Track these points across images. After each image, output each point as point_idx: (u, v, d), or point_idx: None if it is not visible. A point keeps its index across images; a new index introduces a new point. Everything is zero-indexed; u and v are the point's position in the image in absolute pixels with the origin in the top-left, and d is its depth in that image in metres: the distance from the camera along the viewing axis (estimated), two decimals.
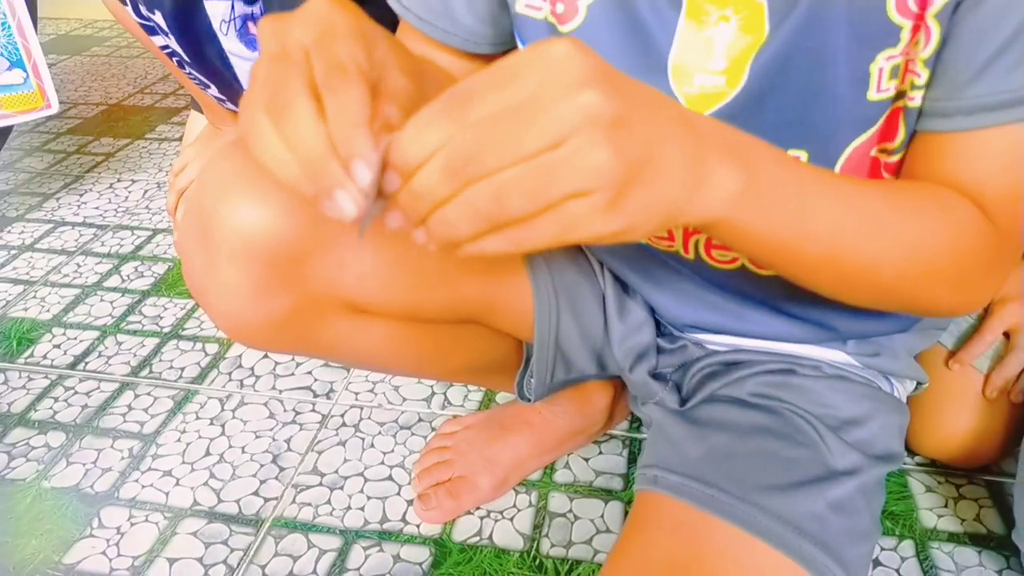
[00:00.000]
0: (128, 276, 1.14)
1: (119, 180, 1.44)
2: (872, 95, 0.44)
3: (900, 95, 0.44)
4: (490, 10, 0.55)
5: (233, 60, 0.86)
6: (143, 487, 0.79)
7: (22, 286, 1.12)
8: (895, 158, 0.46)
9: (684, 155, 0.32)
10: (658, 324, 0.65)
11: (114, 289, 1.11)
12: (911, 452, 0.80)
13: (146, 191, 1.40)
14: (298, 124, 0.29)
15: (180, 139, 1.62)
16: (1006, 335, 0.71)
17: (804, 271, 0.41)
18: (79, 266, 1.17)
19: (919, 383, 0.63)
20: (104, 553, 0.72)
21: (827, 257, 0.40)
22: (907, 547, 0.72)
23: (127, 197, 1.38)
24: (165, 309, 1.07)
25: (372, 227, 0.32)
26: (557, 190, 0.28)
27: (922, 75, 0.42)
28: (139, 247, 1.22)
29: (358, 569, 0.70)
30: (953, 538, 0.73)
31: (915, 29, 0.42)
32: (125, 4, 0.86)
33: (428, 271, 0.55)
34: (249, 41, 0.83)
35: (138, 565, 0.71)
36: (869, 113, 0.45)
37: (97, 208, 1.34)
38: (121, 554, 0.72)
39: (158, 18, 0.84)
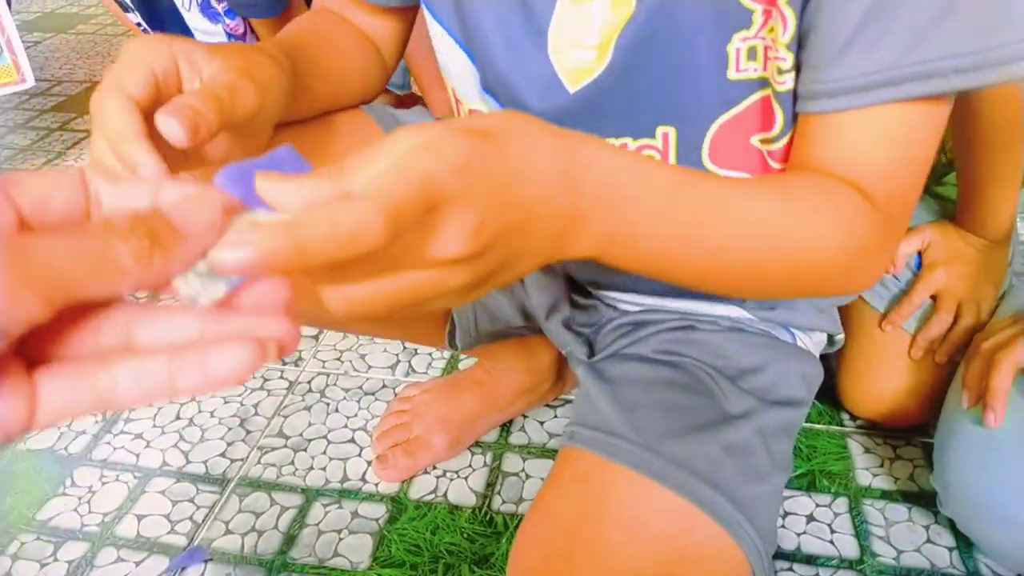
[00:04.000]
0: None
1: None
2: (732, 74, 0.46)
3: (765, 80, 0.46)
4: None
5: (197, 36, 0.89)
6: (115, 449, 0.82)
7: None
8: (779, 145, 0.48)
9: (550, 242, 0.34)
10: (574, 282, 0.67)
11: None
12: (851, 416, 0.84)
13: None
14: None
15: None
16: (933, 298, 0.74)
17: (690, 283, 0.42)
18: None
19: (831, 336, 0.65)
20: (76, 510, 0.76)
21: (711, 271, 0.41)
22: (841, 504, 0.75)
23: None
24: None
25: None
26: (417, 306, 0.31)
27: (787, 59, 0.44)
28: None
29: (317, 525, 0.74)
30: (886, 495, 0.76)
31: (767, 14, 0.44)
32: None
33: None
34: (212, 15, 0.86)
35: (108, 521, 0.74)
36: (731, 92, 0.47)
37: None
38: (92, 511, 0.75)
39: None
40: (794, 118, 0.47)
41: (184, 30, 0.88)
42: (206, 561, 0.71)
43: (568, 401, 0.88)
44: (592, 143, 0.35)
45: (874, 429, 0.83)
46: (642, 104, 0.49)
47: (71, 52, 2.04)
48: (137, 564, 0.70)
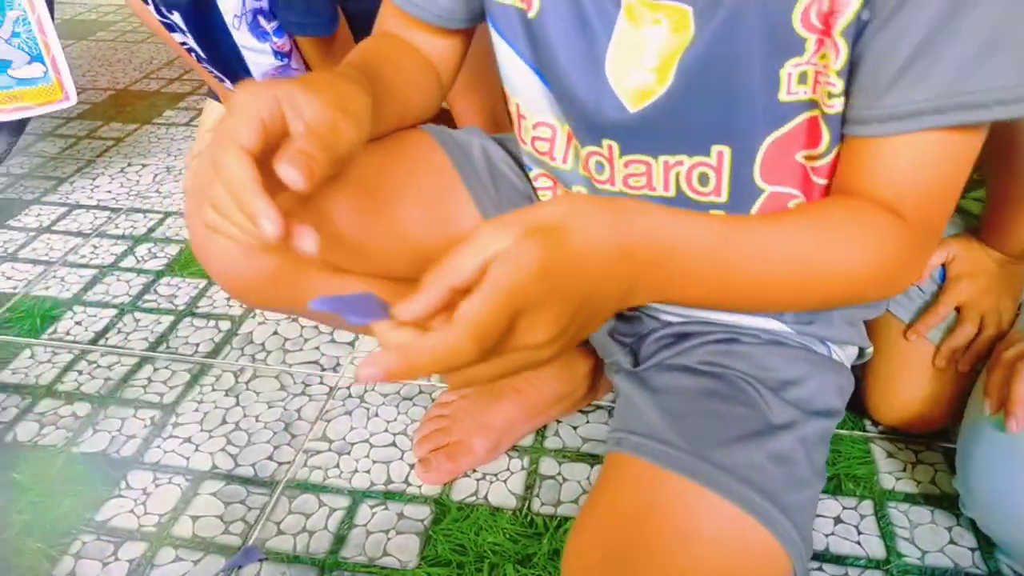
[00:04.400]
0: (142, 257, 1.20)
1: (130, 164, 1.50)
2: (783, 96, 0.50)
3: (814, 103, 0.50)
4: None
5: (245, 53, 0.92)
6: (165, 452, 0.86)
7: (42, 266, 1.18)
8: (824, 161, 0.52)
9: (614, 300, 0.43)
10: None
11: (130, 269, 1.17)
12: (873, 421, 0.87)
13: (156, 175, 1.45)
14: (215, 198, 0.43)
15: (186, 124, 1.67)
16: (957, 309, 0.77)
17: (736, 310, 0.49)
18: (95, 247, 1.23)
19: (862, 349, 0.69)
20: (132, 511, 0.79)
21: (755, 301, 0.50)
22: (866, 506, 0.78)
23: (138, 181, 1.43)
24: (179, 288, 1.13)
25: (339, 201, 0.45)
26: (511, 371, 0.39)
27: (836, 84, 0.48)
28: (152, 229, 1.27)
29: (365, 525, 0.77)
30: (909, 498, 0.79)
31: (819, 43, 0.47)
32: (147, 4, 0.91)
33: (392, 238, 0.62)
34: (260, 34, 0.89)
35: (164, 522, 0.77)
36: (781, 112, 0.51)
37: (110, 192, 1.40)
38: (148, 512, 0.79)
39: (176, 18, 0.89)
40: (839, 137, 0.50)
41: (233, 47, 0.91)
42: (261, 560, 0.74)
43: (599, 407, 0.92)
44: (644, 213, 0.43)
45: (895, 434, 0.86)
46: (698, 124, 0.52)
47: (92, 59, 2.07)
48: (195, 563, 0.73)
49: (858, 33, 0.46)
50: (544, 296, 0.37)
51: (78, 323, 1.06)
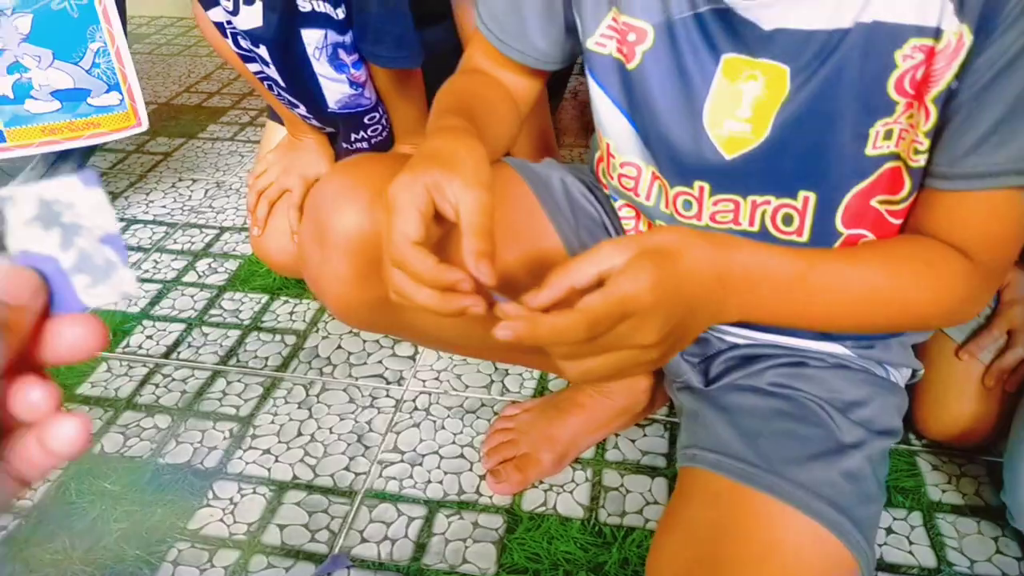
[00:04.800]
0: (203, 272, 1.25)
1: (180, 179, 1.54)
2: (869, 151, 0.55)
3: (896, 155, 0.55)
4: (559, 36, 0.67)
5: (322, 82, 0.97)
6: (247, 463, 0.90)
7: None
8: (901, 207, 0.58)
9: (709, 313, 0.50)
10: None
11: (192, 284, 1.22)
12: (919, 435, 0.91)
13: (207, 191, 1.50)
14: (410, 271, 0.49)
15: (230, 139, 1.72)
16: (1009, 332, 0.82)
17: (811, 329, 0.55)
18: (156, 262, 1.28)
19: (915, 371, 0.73)
20: (222, 520, 0.83)
21: (829, 326, 0.57)
22: (916, 517, 0.83)
23: (190, 196, 1.48)
24: (242, 303, 1.18)
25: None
26: (624, 373, 0.48)
27: (924, 143, 0.53)
28: (209, 244, 1.32)
29: (443, 534, 0.82)
30: (956, 510, 0.84)
31: (909, 105, 0.52)
32: (225, 38, 0.96)
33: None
34: (339, 65, 0.94)
35: (253, 530, 0.82)
36: (866, 165, 0.56)
37: (164, 207, 1.44)
38: (237, 521, 0.83)
39: (262, 51, 0.94)
40: (919, 186, 0.55)
41: (311, 76, 0.96)
42: (348, 567, 0.78)
43: (654, 420, 0.96)
44: (739, 248, 0.50)
45: (940, 448, 0.91)
46: (788, 172, 0.57)
47: None
48: (287, 570, 0.78)
49: (947, 100, 0.50)
50: (652, 305, 0.44)
51: (149, 337, 1.11)
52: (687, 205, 0.63)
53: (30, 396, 0.26)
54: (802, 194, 0.58)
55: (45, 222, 0.27)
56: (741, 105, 0.56)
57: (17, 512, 0.84)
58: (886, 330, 0.63)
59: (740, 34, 0.55)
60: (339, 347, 1.09)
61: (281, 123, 1.16)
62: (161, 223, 1.39)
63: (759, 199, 0.60)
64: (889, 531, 0.81)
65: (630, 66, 0.60)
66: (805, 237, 0.60)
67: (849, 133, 0.54)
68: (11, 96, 1.02)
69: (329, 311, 0.71)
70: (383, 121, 1.07)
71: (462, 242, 0.48)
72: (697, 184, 0.61)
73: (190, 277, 1.24)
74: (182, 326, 1.13)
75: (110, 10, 1.00)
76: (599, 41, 0.62)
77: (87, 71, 1.03)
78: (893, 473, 0.88)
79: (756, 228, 0.62)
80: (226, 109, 1.87)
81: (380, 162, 0.69)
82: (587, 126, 1.68)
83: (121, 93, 1.05)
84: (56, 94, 1.03)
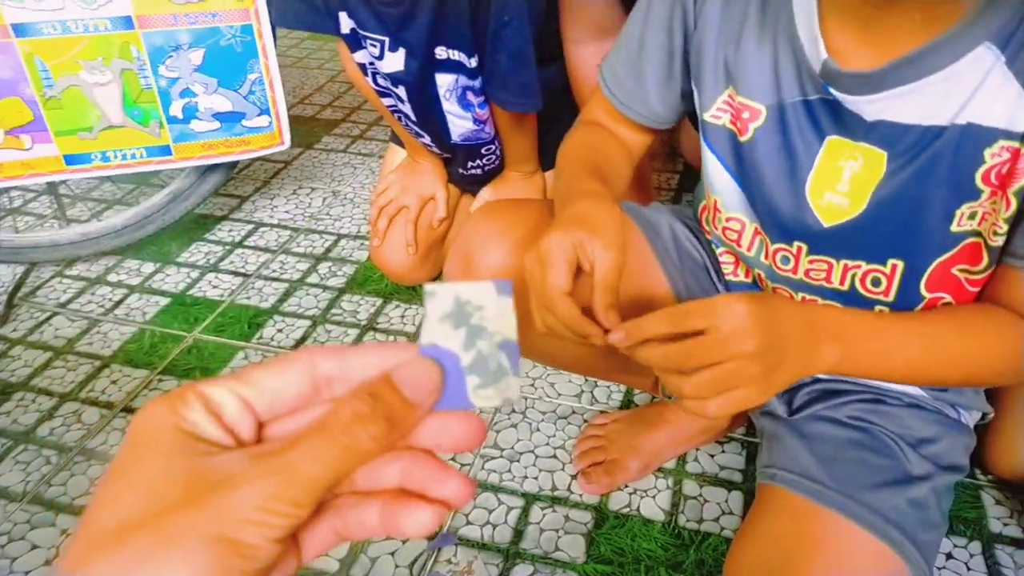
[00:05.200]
0: (324, 274, 1.39)
1: (300, 187, 1.70)
2: (954, 228, 0.63)
3: (978, 233, 0.62)
4: (675, 102, 0.77)
5: (449, 118, 1.09)
6: None
7: (241, 278, 1.39)
8: (979, 277, 0.65)
9: (804, 351, 0.56)
10: None
11: (315, 285, 1.36)
12: (985, 472, 0.97)
13: (324, 199, 1.65)
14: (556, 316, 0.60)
15: (343, 151, 1.87)
16: None
17: (891, 382, 0.65)
18: (283, 263, 1.43)
19: (984, 413, 0.80)
20: None
21: (907, 379, 0.64)
22: (975, 546, 0.89)
23: (310, 204, 1.63)
24: (359, 305, 1.31)
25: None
26: (728, 384, 0.53)
27: (1003, 227, 0.60)
28: (328, 249, 1.47)
29: (538, 523, 0.92)
30: (1015, 542, 0.90)
31: (993, 193, 0.59)
32: (366, 76, 1.10)
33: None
34: (465, 105, 1.06)
35: None
36: (951, 240, 0.63)
37: (287, 212, 1.60)
38: None
39: (400, 90, 1.07)
40: (997, 261, 0.63)
41: (440, 113, 1.08)
42: (456, 544, 0.90)
43: (732, 439, 1.05)
44: (828, 307, 0.61)
45: (1004, 484, 0.97)
46: (880, 242, 0.65)
47: None
48: (403, 543, 0.90)
49: None
50: (746, 314, 0.53)
51: (280, 331, 1.25)
52: (785, 260, 0.72)
53: (415, 517, 0.26)
54: (891, 262, 0.66)
55: (456, 321, 0.27)
56: (841, 180, 0.64)
57: None
58: (961, 385, 0.71)
59: (844, 121, 0.63)
60: None
61: (402, 146, 1.29)
62: (285, 227, 1.55)
63: (851, 263, 0.68)
64: (949, 556, 0.88)
65: (742, 139, 0.69)
66: (891, 298, 0.68)
67: (937, 213, 0.62)
68: (180, 116, 1.18)
69: None
70: (497, 151, 1.19)
71: (594, 292, 0.59)
72: (796, 244, 0.70)
73: (313, 279, 1.38)
74: (308, 322, 1.27)
75: (268, 48, 1.15)
76: (714, 114, 0.71)
77: (244, 97, 1.18)
78: (957, 504, 0.94)
79: (846, 287, 0.69)
80: (338, 122, 2.03)
81: (519, 212, 0.80)
82: (673, 151, 1.76)
83: (270, 116, 1.20)
84: (217, 116, 1.19)
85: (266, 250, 1.47)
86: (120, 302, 1.33)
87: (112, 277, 1.40)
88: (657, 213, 0.86)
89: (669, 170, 1.72)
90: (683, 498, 0.96)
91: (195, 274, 1.40)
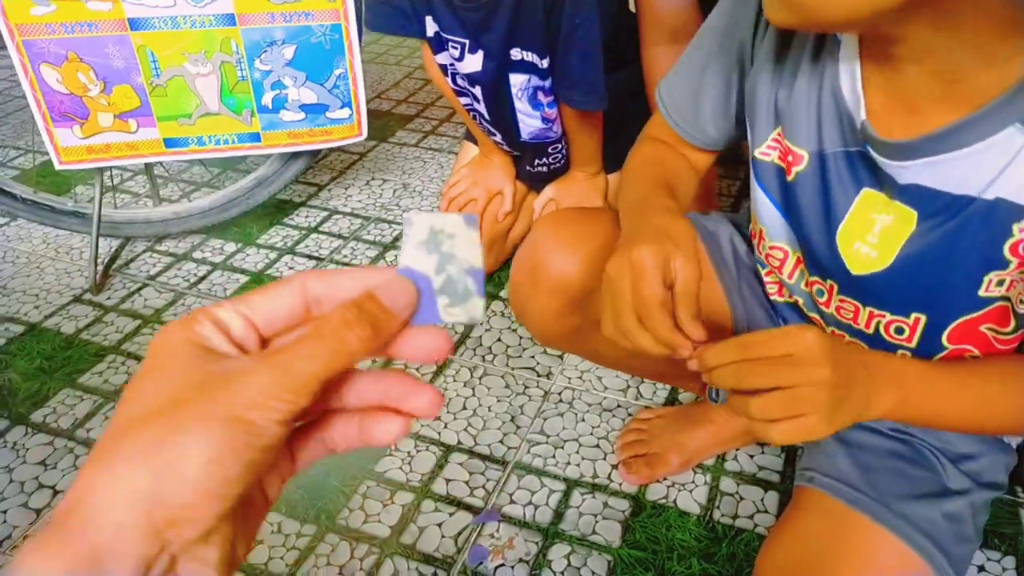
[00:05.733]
0: (391, 262, 1.47)
1: (373, 178, 1.79)
2: (981, 293, 0.63)
3: (1007, 298, 0.63)
4: (729, 129, 0.80)
5: (520, 117, 1.15)
6: (422, 425, 1.10)
7: (315, 261, 1.48)
8: (1008, 337, 0.66)
9: (864, 392, 0.58)
10: None
11: None
12: None
13: (395, 191, 1.73)
14: (651, 325, 0.62)
15: (415, 145, 1.95)
16: None
17: (940, 429, 0.67)
18: (354, 250, 1.51)
19: None
20: (401, 468, 1.03)
21: (954, 423, 0.65)
22: (1009, 561, 0.90)
23: (381, 194, 1.72)
24: None
25: None
26: (797, 409, 0.54)
27: None
28: (396, 239, 1.55)
29: (578, 507, 0.97)
30: None
31: (1021, 264, 0.60)
32: (446, 76, 1.17)
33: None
34: (535, 104, 1.12)
35: (425, 480, 1.01)
36: (977, 303, 0.64)
37: (360, 202, 1.69)
38: (412, 471, 1.03)
39: (476, 89, 1.14)
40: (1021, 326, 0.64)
41: (511, 111, 1.15)
42: (499, 521, 0.96)
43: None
44: (882, 355, 0.62)
45: None
46: (905, 295, 0.67)
47: None
48: (450, 515, 0.97)
49: None
50: (822, 358, 0.54)
51: None
52: (820, 293, 0.74)
53: (384, 427, 0.30)
54: (914, 315, 0.67)
55: (430, 247, 0.31)
56: (872, 232, 0.66)
57: None
58: (1006, 434, 0.73)
59: (879, 178, 0.64)
60: (499, 340, 1.27)
61: (476, 143, 1.36)
62: (357, 216, 1.63)
63: (876, 311, 0.70)
64: (981, 569, 0.90)
65: (789, 178, 0.71)
66: (913, 344, 0.69)
67: (964, 276, 0.62)
68: (270, 107, 1.27)
69: (529, 332, 0.90)
70: (563, 151, 1.24)
71: (677, 303, 0.62)
72: (829, 281, 0.72)
73: (380, 265, 1.46)
74: None
75: (354, 46, 1.23)
76: (764, 151, 0.73)
77: (329, 90, 1.26)
78: (993, 519, 0.95)
79: (871, 331, 0.71)
80: (412, 117, 2.12)
81: (587, 223, 0.84)
82: (736, 157, 1.77)
83: (351, 109, 1.28)
84: (303, 107, 1.27)
85: (339, 236, 1.56)
86: (204, 278, 1.44)
87: (197, 254, 1.51)
88: (717, 223, 0.89)
89: (731, 176, 1.74)
90: (720, 494, 0.99)
91: (273, 255, 1.50)
